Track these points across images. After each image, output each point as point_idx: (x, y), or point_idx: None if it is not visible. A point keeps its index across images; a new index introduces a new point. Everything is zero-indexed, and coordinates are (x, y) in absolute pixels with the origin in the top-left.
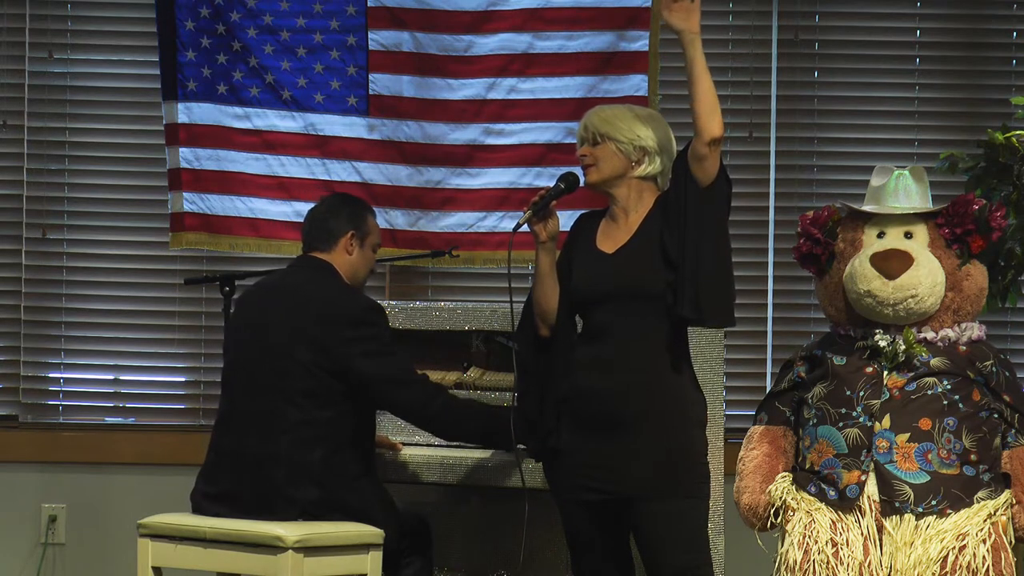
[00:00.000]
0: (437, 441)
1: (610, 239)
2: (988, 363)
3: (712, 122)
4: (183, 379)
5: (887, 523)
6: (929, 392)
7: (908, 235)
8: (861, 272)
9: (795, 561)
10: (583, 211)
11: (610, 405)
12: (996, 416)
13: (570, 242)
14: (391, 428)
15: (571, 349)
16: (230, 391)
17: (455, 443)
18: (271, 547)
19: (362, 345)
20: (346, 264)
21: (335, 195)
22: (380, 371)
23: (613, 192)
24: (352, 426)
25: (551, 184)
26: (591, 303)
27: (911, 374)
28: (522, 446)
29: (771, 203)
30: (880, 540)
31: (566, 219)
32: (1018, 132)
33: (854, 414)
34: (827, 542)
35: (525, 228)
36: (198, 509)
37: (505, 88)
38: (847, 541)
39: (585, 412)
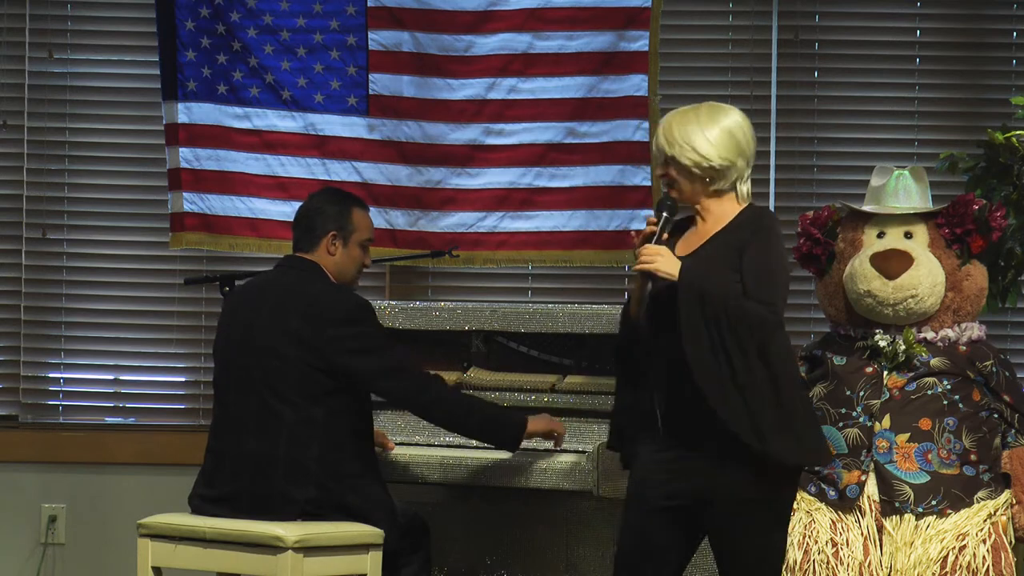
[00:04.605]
0: (437, 441)
1: (684, 243)
2: (988, 363)
3: None
4: (183, 379)
5: (887, 523)
6: (929, 392)
7: (908, 235)
8: (861, 272)
9: (795, 561)
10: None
11: (701, 408)
12: (996, 416)
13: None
14: (391, 428)
15: (650, 356)
16: (224, 393)
17: (455, 443)
18: (271, 547)
19: (349, 343)
20: (330, 264)
21: (324, 191)
22: (370, 366)
23: (695, 205)
24: (348, 424)
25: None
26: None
27: (911, 374)
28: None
29: (771, 203)
30: (880, 540)
31: (566, 219)
32: (1018, 132)
33: (854, 414)
34: (827, 542)
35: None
36: (197, 512)
37: (505, 88)
38: (847, 541)
39: (674, 418)
